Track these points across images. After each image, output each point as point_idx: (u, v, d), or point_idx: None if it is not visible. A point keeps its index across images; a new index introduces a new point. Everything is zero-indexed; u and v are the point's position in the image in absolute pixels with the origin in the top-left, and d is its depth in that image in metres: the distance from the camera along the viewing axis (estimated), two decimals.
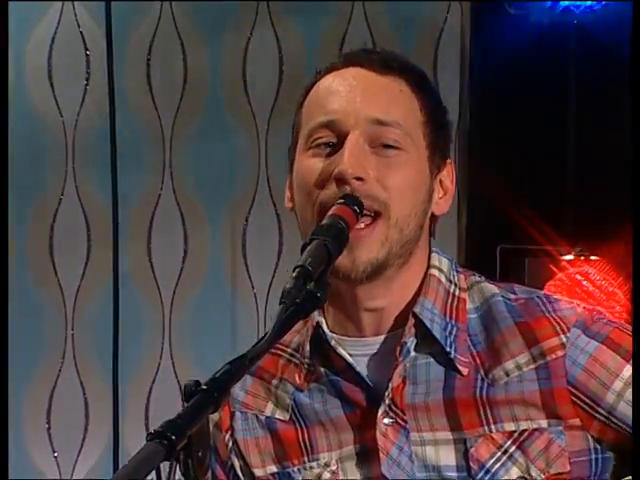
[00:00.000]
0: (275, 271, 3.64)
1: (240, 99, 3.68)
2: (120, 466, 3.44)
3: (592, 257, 3.59)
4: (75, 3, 3.68)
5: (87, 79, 3.70)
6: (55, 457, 3.66)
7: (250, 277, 3.68)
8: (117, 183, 3.55)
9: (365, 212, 2.01)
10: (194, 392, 1.57)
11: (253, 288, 3.66)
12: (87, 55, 3.70)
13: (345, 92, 2.12)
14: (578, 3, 3.62)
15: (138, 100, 3.72)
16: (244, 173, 3.67)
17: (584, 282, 3.61)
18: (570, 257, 3.58)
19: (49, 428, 3.66)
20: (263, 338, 1.70)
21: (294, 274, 1.79)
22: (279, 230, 3.65)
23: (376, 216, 2.03)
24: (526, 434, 2.07)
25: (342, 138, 2.05)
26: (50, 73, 3.70)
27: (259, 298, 3.66)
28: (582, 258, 3.59)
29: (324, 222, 1.96)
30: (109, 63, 3.57)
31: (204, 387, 1.58)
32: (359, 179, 2.00)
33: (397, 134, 2.06)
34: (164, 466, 1.48)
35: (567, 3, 3.61)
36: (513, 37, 3.62)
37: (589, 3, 3.62)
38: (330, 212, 1.98)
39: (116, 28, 3.63)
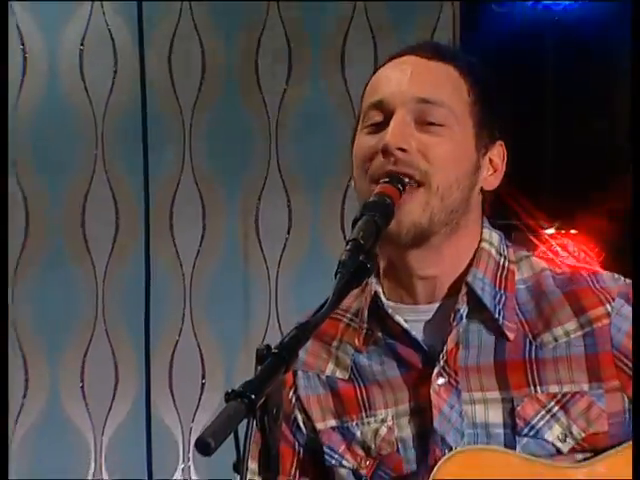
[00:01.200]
0: (285, 245, 3.68)
1: (253, 89, 3.71)
2: (151, 419, 3.54)
3: (571, 231, 3.64)
4: (105, 3, 3.70)
5: (115, 71, 3.73)
6: (88, 413, 3.71)
7: (262, 250, 3.72)
8: (148, 166, 3.62)
9: (408, 181, 2.04)
10: (266, 356, 1.66)
11: (265, 260, 3.70)
12: (115, 49, 3.72)
13: (396, 76, 2.15)
14: (558, 2, 3.63)
15: (161, 90, 3.75)
16: (257, 156, 3.72)
17: (563, 253, 3.67)
18: (551, 231, 3.64)
19: (82, 387, 3.69)
20: (323, 305, 1.79)
21: (348, 247, 1.87)
22: (288, 208, 3.70)
23: (418, 185, 2.05)
24: (569, 396, 2.11)
25: (389, 116, 2.09)
26: (81, 66, 3.73)
27: (270, 269, 3.72)
28: (562, 232, 3.65)
29: (371, 199, 2.00)
30: (141, 56, 3.66)
31: (275, 351, 1.66)
32: (402, 150, 2.03)
33: (441, 112, 2.08)
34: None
35: (548, 2, 3.63)
36: (498, 33, 3.65)
37: (568, 2, 3.63)
38: (376, 190, 2.01)
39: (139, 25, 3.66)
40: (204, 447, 1.50)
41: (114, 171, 3.73)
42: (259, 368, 1.67)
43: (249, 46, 3.75)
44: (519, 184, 3.39)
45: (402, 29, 3.72)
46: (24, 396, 3.73)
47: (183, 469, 3.68)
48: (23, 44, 3.74)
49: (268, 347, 1.69)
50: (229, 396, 1.58)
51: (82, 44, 3.76)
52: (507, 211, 3.62)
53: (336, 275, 1.85)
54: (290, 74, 3.75)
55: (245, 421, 1.58)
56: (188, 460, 3.42)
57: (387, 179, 2.05)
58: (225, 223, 3.79)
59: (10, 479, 3.62)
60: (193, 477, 3.63)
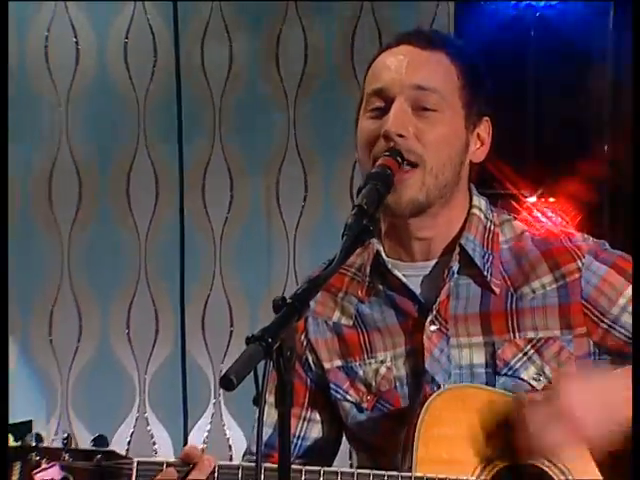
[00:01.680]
0: (301, 212, 3.71)
1: (274, 78, 3.74)
2: (186, 361, 3.55)
3: (550, 199, 3.64)
4: (146, 2, 3.72)
5: (155, 61, 3.74)
6: (133, 356, 3.75)
7: (282, 216, 3.75)
8: (182, 143, 3.65)
9: (405, 162, 2.06)
10: (281, 306, 1.67)
11: (284, 225, 3.73)
12: (154, 42, 3.73)
13: (394, 66, 2.14)
14: (540, 2, 3.64)
15: (194, 79, 3.76)
16: (278, 135, 3.73)
17: (543, 219, 3.66)
18: (533, 199, 3.64)
19: (128, 333, 3.73)
20: (331, 262, 1.82)
21: (353, 212, 1.88)
22: (305, 180, 3.72)
23: (414, 165, 2.07)
24: (543, 341, 2.13)
25: (389, 103, 2.09)
26: (126, 57, 3.73)
27: (289, 233, 3.75)
28: (542, 200, 3.65)
29: (374, 170, 2.01)
30: (176, 48, 3.66)
31: (289, 301, 1.68)
32: (400, 136, 2.04)
33: (434, 98, 2.08)
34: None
35: (530, 1, 3.63)
36: (487, 28, 3.65)
37: (549, 2, 3.63)
38: (378, 162, 2.03)
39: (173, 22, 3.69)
40: (227, 383, 1.54)
41: (154, 146, 3.73)
42: (275, 316, 1.68)
43: (270, 40, 3.75)
44: (504, 157, 3.47)
45: (405, 24, 3.55)
46: (78, 340, 3.76)
47: (214, 403, 3.69)
48: (76, 37, 3.72)
49: (283, 298, 1.70)
50: (249, 340, 1.60)
51: (126, 38, 3.76)
52: (493, 181, 3.58)
53: (343, 236, 1.86)
54: (307, 61, 3.76)
55: (263, 361, 1.60)
56: (219, 396, 3.40)
57: (387, 153, 2.07)
58: (249, 193, 3.81)
59: (67, 414, 3.71)
60: (223, 410, 3.67)
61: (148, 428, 3.72)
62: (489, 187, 3.50)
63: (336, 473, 2.04)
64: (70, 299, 3.72)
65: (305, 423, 2.35)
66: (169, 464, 2.01)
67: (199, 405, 3.62)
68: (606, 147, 3.62)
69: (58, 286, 3.72)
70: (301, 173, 3.76)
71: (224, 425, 3.71)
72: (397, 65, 2.15)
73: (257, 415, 1.61)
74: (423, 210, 2.14)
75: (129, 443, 3.75)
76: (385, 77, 2.14)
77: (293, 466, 1.96)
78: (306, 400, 2.33)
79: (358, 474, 2.05)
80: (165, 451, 3.75)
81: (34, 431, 2.08)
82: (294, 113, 3.75)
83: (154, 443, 3.73)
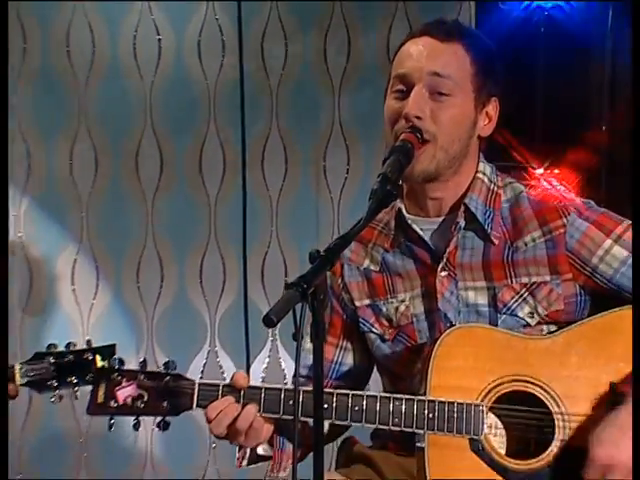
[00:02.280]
0: (344, 182, 3.74)
1: (322, 69, 3.76)
2: (248, 306, 3.55)
3: (555, 170, 3.63)
4: (215, 3, 3.73)
5: (223, 56, 3.76)
6: (205, 302, 3.79)
7: (328, 185, 3.78)
8: (245, 126, 3.68)
9: (420, 138, 2.10)
10: (317, 257, 1.75)
11: (330, 192, 3.76)
12: (222, 41, 3.75)
13: (415, 54, 2.16)
14: (547, 2, 3.61)
15: (255, 72, 3.79)
16: (325, 117, 3.76)
17: (549, 187, 3.59)
18: (541, 171, 3.63)
19: (201, 282, 3.77)
20: (359, 222, 1.87)
21: (378, 179, 1.93)
22: (347, 157, 3.76)
23: (427, 141, 2.11)
24: (535, 285, 2.17)
25: (410, 87, 2.13)
26: (200, 53, 3.76)
27: (334, 198, 3.77)
28: (549, 171, 3.64)
29: (397, 144, 2.07)
30: (240, 46, 3.67)
31: (323, 253, 1.76)
32: (418, 117, 2.09)
33: (449, 84, 2.12)
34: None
35: (540, 2, 3.61)
36: (504, 25, 3.65)
37: (555, 3, 3.60)
38: (401, 137, 2.08)
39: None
40: (268, 321, 1.63)
41: (222, 128, 3.74)
42: (311, 265, 1.74)
43: (319, 37, 3.76)
44: (518, 135, 3.57)
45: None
46: (160, 287, 3.81)
47: (272, 340, 3.76)
48: (159, 36, 3.74)
49: (318, 251, 1.76)
50: (288, 286, 1.68)
51: (200, 36, 3.78)
52: (509, 155, 3.58)
53: (369, 199, 1.92)
54: (349, 55, 3.76)
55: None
56: (275, 334, 3.43)
57: (409, 129, 2.11)
58: (301, 166, 3.82)
59: (152, 347, 3.83)
60: (279, 346, 3.74)
61: (217, 360, 3.75)
62: (505, 160, 3.55)
63: (362, 396, 2.09)
64: (154, 253, 3.76)
65: (341, 351, 2.38)
66: (224, 385, 2.09)
67: (259, 341, 3.65)
68: (603, 127, 3.62)
69: (144, 242, 3.75)
70: (344, 149, 3.76)
71: (279, 358, 3.74)
72: (418, 54, 2.16)
73: (296, 347, 1.67)
74: (434, 178, 2.18)
75: (202, 372, 3.78)
76: (407, 64, 2.16)
77: (326, 389, 2.11)
78: (342, 332, 2.38)
79: (381, 397, 2.09)
80: None
81: (117, 355, 2.16)
82: (339, 100, 3.76)
83: (222, 372, 3.76)
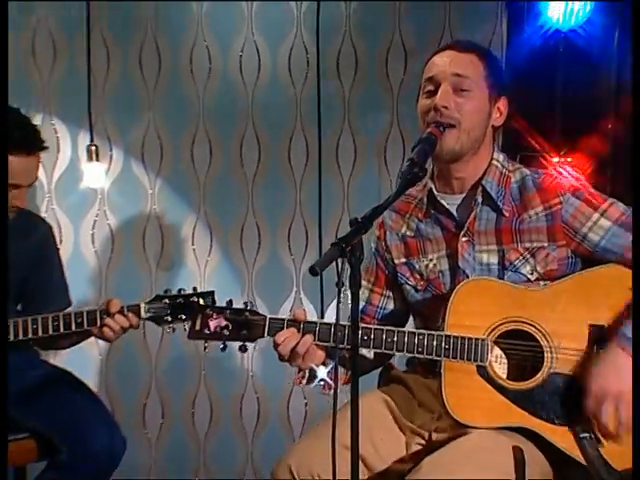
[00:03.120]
0: (400, 166, 3.65)
1: (383, 75, 3.75)
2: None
3: (568, 159, 3.57)
4: (303, 30, 3.73)
5: (307, 70, 3.75)
6: (292, 259, 3.77)
7: (388, 169, 3.75)
8: (321, 125, 3.71)
9: (447, 125, 2.14)
10: (355, 222, 1.79)
11: (389, 174, 3.73)
12: (307, 58, 3.75)
13: (440, 62, 2.20)
14: (565, 27, 3.54)
15: (331, 79, 3.79)
16: (386, 115, 3.74)
17: (564, 173, 3.51)
18: (557, 159, 3.58)
19: (289, 245, 3.78)
20: (390, 197, 1.93)
21: (407, 163, 2.00)
22: (403, 145, 3.73)
23: (453, 126, 2.15)
24: (535, 249, 2.19)
25: (437, 87, 2.17)
26: (289, 68, 3.77)
27: (392, 180, 3.75)
28: (563, 159, 3.58)
29: (423, 136, 2.12)
30: (318, 62, 3.69)
31: (360, 220, 1.80)
32: (444, 107, 2.14)
33: (467, 82, 2.17)
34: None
35: (558, 27, 3.54)
36: (529, 44, 3.59)
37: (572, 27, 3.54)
38: (428, 130, 2.13)
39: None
40: (313, 271, 1.71)
41: (306, 128, 3.76)
42: (350, 229, 1.79)
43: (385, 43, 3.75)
44: (538, 130, 3.55)
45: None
46: (257, 249, 3.83)
47: (343, 290, 3.76)
48: (259, 55, 3.77)
49: (356, 218, 1.81)
50: (332, 245, 1.73)
51: (290, 54, 3.78)
52: (530, 146, 3.54)
53: (399, 179, 2.00)
54: (406, 63, 3.72)
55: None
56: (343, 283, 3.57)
57: (434, 125, 2.15)
58: (367, 154, 3.80)
59: (253, 295, 3.81)
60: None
61: (302, 305, 3.77)
62: (527, 150, 3.54)
63: (394, 331, 2.17)
64: (253, 222, 3.78)
65: (384, 298, 2.44)
66: (288, 320, 2.18)
67: (331, 291, 3.61)
68: (609, 125, 3.56)
69: (246, 214, 3.78)
70: (401, 144, 3.74)
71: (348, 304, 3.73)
72: (443, 62, 2.21)
73: (337, 292, 1.70)
74: (459, 158, 2.22)
75: (289, 314, 3.77)
76: (435, 70, 2.21)
77: (367, 326, 2.19)
78: (385, 284, 2.43)
79: (408, 332, 2.17)
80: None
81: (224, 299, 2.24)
82: (397, 104, 3.74)
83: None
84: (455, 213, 2.27)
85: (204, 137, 3.77)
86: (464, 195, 2.27)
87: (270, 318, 2.18)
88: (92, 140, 3.55)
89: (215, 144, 3.79)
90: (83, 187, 3.64)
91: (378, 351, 2.19)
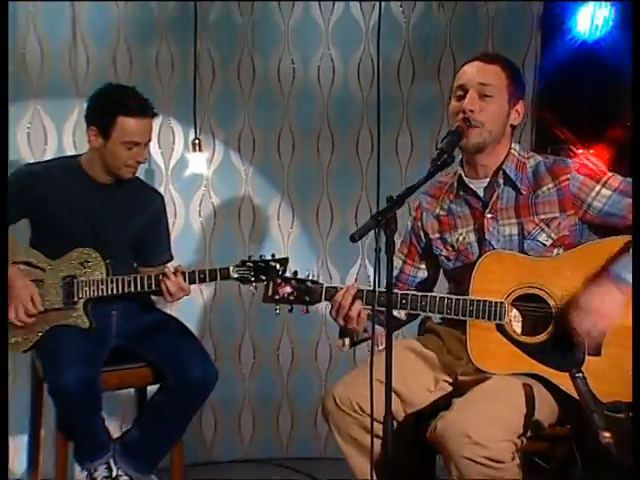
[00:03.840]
0: None
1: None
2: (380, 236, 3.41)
3: (590, 150, 3.49)
4: (370, 45, 3.69)
5: (372, 79, 3.73)
6: None
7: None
8: (380, 122, 3.66)
9: (472, 124, 2.15)
10: (390, 199, 1.84)
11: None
12: (372, 69, 3.73)
13: (469, 71, 2.19)
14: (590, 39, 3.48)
15: (391, 83, 3.75)
16: (438, 118, 3.70)
17: (588, 164, 3.50)
18: (580, 151, 3.50)
19: (356, 221, 3.76)
20: (421, 179, 1.96)
21: (437, 152, 2.00)
22: None
23: (478, 126, 2.15)
24: (549, 219, 2.18)
25: (466, 92, 2.17)
26: (359, 77, 3.74)
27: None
28: (585, 151, 3.50)
29: (452, 129, 2.14)
30: (377, 73, 3.66)
31: (394, 197, 1.84)
32: (471, 110, 2.14)
33: (491, 89, 2.16)
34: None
35: (585, 39, 3.48)
36: (561, 53, 3.54)
37: (597, 37, 3.47)
38: (456, 124, 2.15)
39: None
40: (352, 239, 1.78)
41: (371, 124, 3.74)
42: (385, 205, 1.82)
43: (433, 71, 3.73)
44: (565, 126, 3.52)
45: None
46: (330, 223, 3.81)
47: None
48: (333, 64, 3.76)
49: (392, 196, 1.84)
50: (370, 217, 1.79)
51: (359, 65, 3.75)
52: (559, 139, 3.51)
53: (430, 164, 2.00)
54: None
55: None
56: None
57: (462, 119, 2.15)
58: (422, 146, 3.76)
59: (327, 265, 3.80)
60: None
61: (366, 270, 3.76)
62: (556, 143, 3.53)
63: (427, 296, 2.18)
64: (327, 202, 3.81)
65: (414, 269, 2.45)
66: (341, 288, 2.18)
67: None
68: (628, 123, 3.49)
69: (321, 195, 3.80)
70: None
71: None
72: (471, 71, 2.20)
73: (375, 257, 1.77)
74: (482, 150, 2.21)
75: (355, 279, 3.80)
76: (464, 78, 2.20)
77: (404, 291, 2.21)
78: (416, 257, 2.44)
79: (439, 296, 2.18)
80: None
81: (301, 266, 2.27)
82: (447, 103, 3.59)
83: (368, 278, 3.73)
84: (481, 194, 2.26)
85: (288, 132, 3.79)
86: (488, 179, 2.26)
87: (326, 286, 2.19)
88: (196, 135, 3.62)
89: (297, 138, 3.81)
90: (192, 173, 3.71)
91: (412, 312, 2.21)
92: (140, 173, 3.51)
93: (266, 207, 3.80)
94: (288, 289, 2.15)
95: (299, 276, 2.21)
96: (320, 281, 2.22)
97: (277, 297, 2.16)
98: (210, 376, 2.56)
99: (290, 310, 2.20)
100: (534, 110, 3.50)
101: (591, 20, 3.41)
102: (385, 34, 3.64)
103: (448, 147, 2.02)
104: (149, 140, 2.66)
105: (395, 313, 2.34)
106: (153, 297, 2.85)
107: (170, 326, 2.73)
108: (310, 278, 2.19)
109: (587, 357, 2.07)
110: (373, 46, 3.69)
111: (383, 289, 2.07)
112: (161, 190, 3.63)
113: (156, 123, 3.49)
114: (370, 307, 2.13)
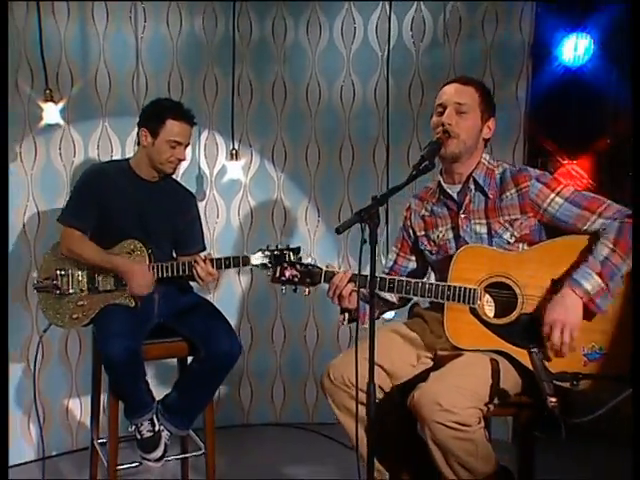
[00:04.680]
0: None
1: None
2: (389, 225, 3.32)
3: (574, 162, 3.48)
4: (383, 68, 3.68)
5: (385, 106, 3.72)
6: None
7: None
8: (389, 132, 3.67)
9: (451, 135, 2.14)
10: (374, 198, 1.83)
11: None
12: (386, 79, 3.70)
13: (448, 92, 2.19)
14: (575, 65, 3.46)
15: (401, 98, 3.71)
16: None
17: (573, 173, 3.51)
18: (566, 162, 3.49)
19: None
20: (402, 183, 1.94)
21: (419, 159, 2.00)
22: None
23: (454, 138, 2.16)
24: (513, 220, 2.16)
25: (445, 109, 2.17)
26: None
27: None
28: (570, 162, 3.49)
29: (433, 140, 2.14)
30: (387, 97, 3.70)
31: (377, 197, 1.83)
32: (449, 124, 2.14)
33: (465, 107, 2.15)
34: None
35: (570, 65, 3.46)
36: (551, 76, 3.51)
37: (580, 65, 3.46)
38: (437, 136, 2.15)
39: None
40: (337, 231, 1.82)
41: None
42: (370, 203, 1.82)
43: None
44: (553, 140, 3.50)
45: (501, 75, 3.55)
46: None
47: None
48: (353, 85, 3.76)
49: (376, 195, 1.84)
50: (355, 213, 1.79)
51: (376, 87, 3.74)
52: (547, 153, 3.49)
53: (412, 169, 1.99)
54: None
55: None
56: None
57: (442, 132, 2.15)
58: None
59: (347, 257, 3.80)
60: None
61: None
62: (546, 155, 3.52)
63: (410, 281, 2.18)
64: (347, 204, 3.82)
65: (406, 260, 2.46)
66: (337, 272, 2.18)
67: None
68: (608, 140, 3.47)
69: (343, 198, 3.80)
70: None
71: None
72: (449, 92, 2.20)
73: (359, 248, 1.78)
74: (457, 159, 2.21)
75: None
76: (443, 97, 2.20)
77: (391, 277, 2.20)
78: (407, 250, 2.44)
79: (421, 282, 2.18)
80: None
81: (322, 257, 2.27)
82: None
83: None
84: (456, 197, 2.26)
85: (315, 145, 3.83)
86: (462, 185, 2.26)
87: (325, 270, 2.19)
88: (234, 146, 3.61)
89: (322, 149, 3.84)
90: (232, 179, 3.77)
91: (402, 296, 2.23)
92: (190, 179, 3.68)
93: (295, 209, 3.83)
94: (293, 272, 2.16)
95: (303, 262, 2.22)
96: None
97: (283, 279, 2.17)
98: (234, 350, 2.59)
99: (294, 290, 2.20)
100: (526, 126, 3.45)
101: (574, 49, 3.40)
102: (398, 61, 3.65)
103: (429, 154, 2.03)
104: (188, 143, 2.73)
105: (388, 297, 2.40)
106: (192, 283, 2.92)
107: (202, 307, 2.78)
108: (312, 263, 2.19)
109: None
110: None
111: (391, 277, 2.17)
112: (206, 193, 3.77)
113: (203, 137, 3.64)
114: (362, 289, 2.16)
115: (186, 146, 2.72)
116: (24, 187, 3.26)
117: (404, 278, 2.18)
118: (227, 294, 3.80)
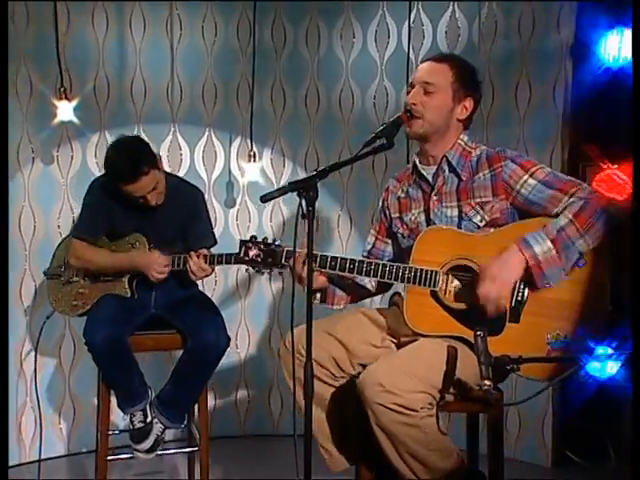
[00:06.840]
0: None
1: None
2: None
3: (615, 167, 3.34)
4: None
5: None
6: None
7: None
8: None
9: (414, 115, 2.16)
10: (314, 171, 1.85)
11: None
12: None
13: (419, 70, 2.21)
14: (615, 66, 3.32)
15: None
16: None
17: (614, 176, 3.37)
18: (606, 166, 3.36)
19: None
20: (348, 159, 2.00)
21: (372, 135, 2.02)
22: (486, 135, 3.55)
23: (419, 117, 2.17)
24: (483, 203, 2.15)
25: (413, 87, 2.19)
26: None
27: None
28: (612, 167, 3.35)
29: (392, 118, 2.11)
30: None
31: (319, 170, 1.85)
32: (413, 104, 2.17)
33: (433, 87, 2.15)
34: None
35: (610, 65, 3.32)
36: (591, 77, 3.37)
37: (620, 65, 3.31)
38: (398, 114, 2.14)
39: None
40: (262, 199, 1.78)
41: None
42: (306, 175, 1.83)
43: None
44: (595, 143, 3.36)
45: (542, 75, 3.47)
46: None
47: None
48: (386, 92, 3.80)
49: (316, 169, 1.87)
50: (289, 184, 1.82)
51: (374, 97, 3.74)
52: (591, 158, 3.36)
53: (362, 147, 1.99)
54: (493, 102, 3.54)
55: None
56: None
57: (405, 111, 2.18)
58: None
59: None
60: None
61: None
62: (587, 161, 3.39)
63: (371, 262, 2.18)
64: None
65: (384, 244, 2.46)
66: (299, 251, 2.16)
67: None
68: None
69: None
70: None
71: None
72: (421, 70, 2.22)
73: (295, 224, 1.80)
74: (427, 139, 2.22)
75: None
76: (414, 75, 2.23)
77: (352, 257, 2.18)
78: (385, 233, 2.44)
79: (382, 264, 2.17)
80: None
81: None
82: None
83: None
84: (430, 179, 2.26)
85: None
86: (436, 166, 2.26)
87: (286, 250, 2.20)
88: (252, 148, 3.77)
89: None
90: (261, 184, 3.86)
91: (378, 280, 2.23)
92: (221, 186, 3.80)
93: (329, 217, 3.90)
94: (256, 251, 2.19)
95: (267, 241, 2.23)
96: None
97: (247, 258, 2.19)
98: (220, 343, 2.62)
99: (258, 271, 2.20)
100: (564, 130, 3.39)
101: (618, 48, 3.25)
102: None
103: (383, 133, 2.03)
104: (153, 188, 2.69)
105: (365, 283, 2.41)
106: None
107: (196, 300, 2.84)
108: (276, 243, 2.20)
109: (507, 324, 2.02)
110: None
111: (352, 257, 2.16)
112: (237, 201, 3.88)
113: (235, 144, 3.75)
114: (323, 270, 2.19)
115: (152, 190, 2.69)
116: (60, 190, 3.48)
117: (365, 260, 2.17)
118: (258, 300, 3.87)
